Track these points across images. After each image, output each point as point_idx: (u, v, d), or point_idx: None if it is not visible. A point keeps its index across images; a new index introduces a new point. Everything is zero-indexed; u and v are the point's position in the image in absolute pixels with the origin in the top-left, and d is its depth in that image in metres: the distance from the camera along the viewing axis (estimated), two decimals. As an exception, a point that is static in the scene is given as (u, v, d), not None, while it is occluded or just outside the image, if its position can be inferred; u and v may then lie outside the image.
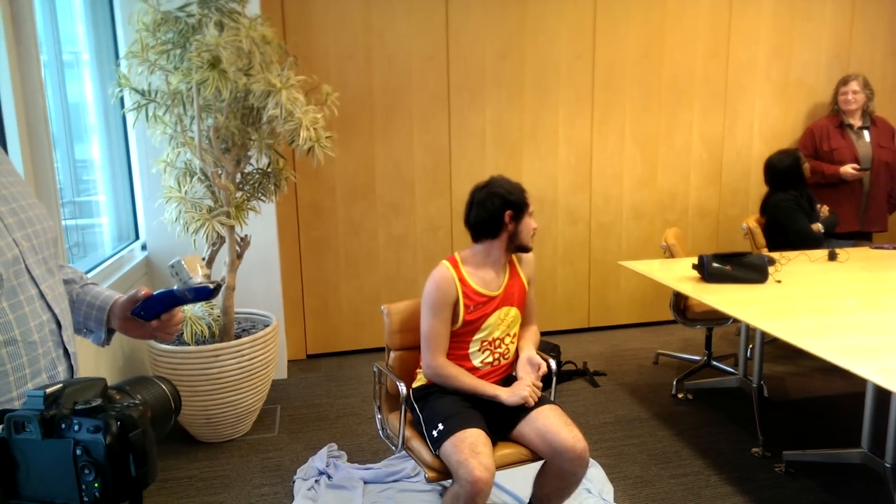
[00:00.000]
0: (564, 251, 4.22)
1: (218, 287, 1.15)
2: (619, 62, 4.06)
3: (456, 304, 2.03)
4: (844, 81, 3.92)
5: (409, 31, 3.75)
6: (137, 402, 0.75)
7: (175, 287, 1.14)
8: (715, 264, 2.69)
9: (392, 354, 2.25)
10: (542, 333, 4.24)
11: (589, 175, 4.17)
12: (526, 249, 2.12)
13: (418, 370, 2.17)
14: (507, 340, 2.13)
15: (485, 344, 2.08)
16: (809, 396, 3.25)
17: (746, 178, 4.39)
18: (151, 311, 1.14)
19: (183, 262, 1.13)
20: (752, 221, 3.69)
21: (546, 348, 3.49)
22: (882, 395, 2.45)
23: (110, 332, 1.20)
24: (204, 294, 1.13)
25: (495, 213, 2.03)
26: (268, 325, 2.93)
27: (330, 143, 2.66)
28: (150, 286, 2.71)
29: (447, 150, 3.94)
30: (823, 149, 3.92)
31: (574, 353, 3.89)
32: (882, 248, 3.30)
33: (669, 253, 3.27)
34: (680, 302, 3.21)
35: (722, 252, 2.78)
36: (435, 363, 2.04)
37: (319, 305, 3.92)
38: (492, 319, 2.07)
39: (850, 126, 3.91)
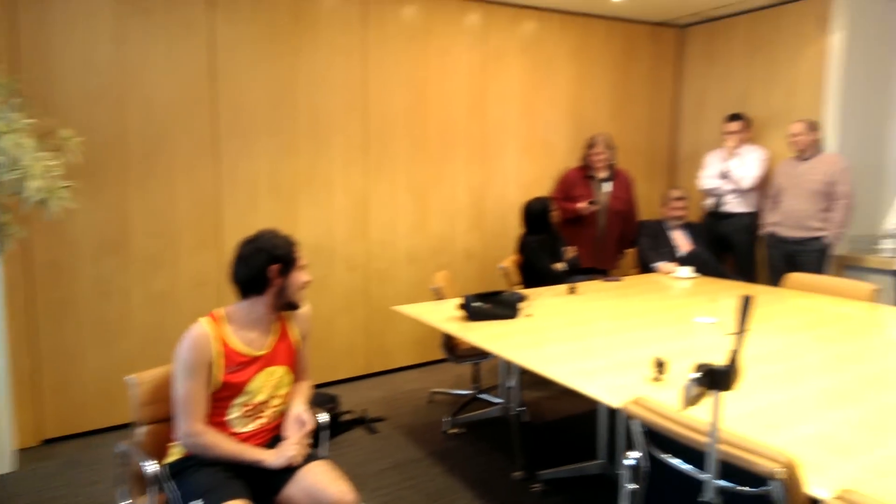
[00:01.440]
0: (342, 299, 4.23)
1: None
2: (390, 114, 4.26)
3: (213, 364, 1.90)
4: (591, 144, 4.50)
5: (170, 75, 3.54)
6: None
7: None
8: (475, 304, 2.89)
9: (142, 429, 2.02)
10: (321, 384, 4.16)
11: (365, 222, 4.26)
12: (294, 306, 2.06)
13: (171, 443, 1.97)
14: (274, 402, 2.03)
15: (247, 409, 1.97)
16: (562, 417, 3.61)
17: (505, 223, 4.84)
18: None
19: None
20: (508, 262, 4.06)
21: (322, 400, 3.43)
22: (612, 409, 2.81)
23: None
24: None
25: (261, 268, 1.95)
26: (-15, 409, 2.46)
27: (70, 193, 2.37)
28: None
29: (216, 199, 3.74)
30: (572, 194, 4.49)
31: (353, 402, 3.87)
32: (612, 280, 3.84)
33: (439, 295, 3.44)
34: (449, 340, 3.39)
35: (482, 292, 3.00)
36: (192, 430, 1.87)
37: (60, 380, 3.40)
38: (255, 382, 1.97)
39: (594, 177, 4.52)
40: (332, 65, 4.02)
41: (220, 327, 1.94)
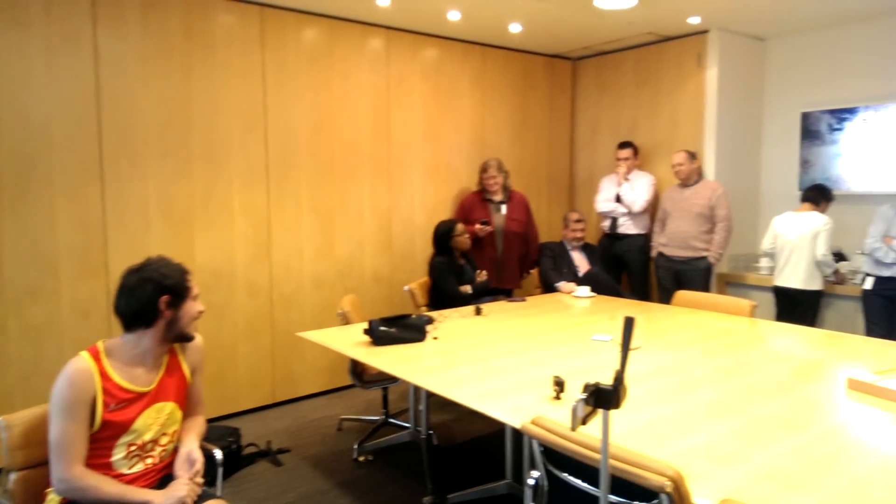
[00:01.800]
0: (245, 326, 4.07)
1: None
2: (292, 137, 4.18)
3: (94, 402, 1.76)
4: (484, 168, 4.67)
5: (50, 89, 3.31)
6: None
7: None
8: (381, 328, 2.87)
9: (13, 476, 1.84)
10: (223, 417, 3.97)
11: (268, 246, 4.14)
12: (187, 338, 1.95)
13: (49, 490, 1.81)
14: (164, 441, 1.91)
15: (133, 449, 1.84)
16: (470, 438, 3.64)
17: (413, 245, 4.86)
18: None
19: None
20: (414, 284, 4.07)
21: (222, 434, 3.27)
22: (518, 429, 2.86)
23: None
24: None
25: (148, 300, 1.84)
26: None
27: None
28: None
29: (101, 224, 3.51)
30: (471, 218, 4.60)
31: (257, 433, 3.72)
32: (515, 300, 3.94)
33: (346, 319, 3.39)
34: (357, 366, 3.33)
35: (389, 316, 2.98)
36: (69, 475, 1.72)
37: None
38: (141, 420, 1.84)
39: (491, 200, 4.66)
40: (229, 85, 3.91)
41: (101, 362, 1.80)
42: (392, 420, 3.67)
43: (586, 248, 4.63)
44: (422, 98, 4.82)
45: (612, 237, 5.03)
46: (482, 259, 4.49)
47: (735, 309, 3.46)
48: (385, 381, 3.42)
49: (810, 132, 4.82)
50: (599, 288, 4.17)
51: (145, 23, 3.60)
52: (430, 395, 4.12)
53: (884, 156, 4.43)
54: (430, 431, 3.29)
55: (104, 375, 1.79)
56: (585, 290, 4.09)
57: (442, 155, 4.97)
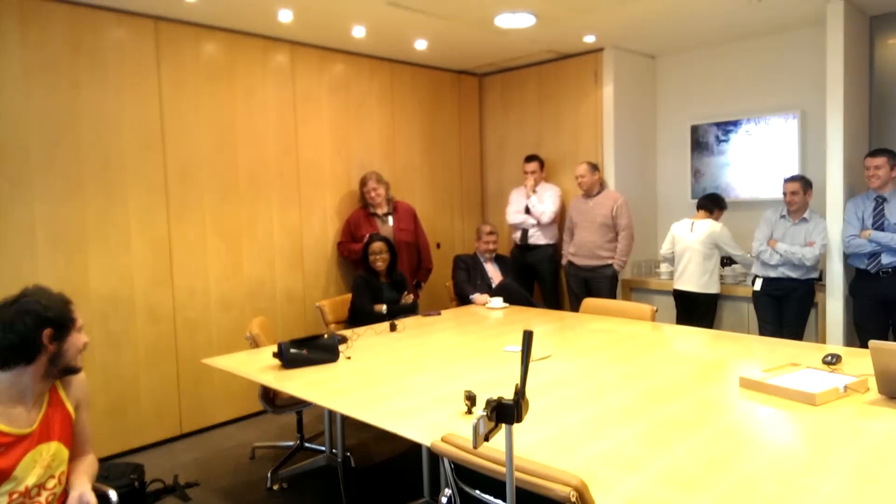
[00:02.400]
0: (147, 354, 3.85)
1: None
2: (193, 155, 4.02)
3: (-33, 451, 1.61)
4: (364, 182, 4.67)
5: None
6: None
7: None
8: (293, 350, 2.79)
9: None
10: (125, 453, 3.74)
11: (170, 269, 3.95)
12: (73, 371, 1.83)
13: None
14: (50, 485, 1.77)
15: (15, 497, 1.69)
16: (388, 457, 3.60)
17: (326, 262, 4.77)
18: None
19: None
20: (324, 301, 4.01)
21: (124, 471, 3.06)
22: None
23: None
24: None
25: (28, 334, 1.70)
26: None
27: None
28: None
29: (-22, 252, 3.23)
30: (358, 235, 4.58)
31: (164, 469, 3.51)
32: (430, 314, 3.94)
33: (255, 343, 3.27)
34: (268, 391, 3.22)
35: (300, 337, 2.90)
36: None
37: None
38: (23, 465, 1.70)
39: (376, 214, 4.66)
40: (121, 102, 3.72)
41: (-26, 406, 1.65)
42: (308, 444, 3.57)
43: (499, 260, 4.71)
44: (330, 114, 4.76)
45: (524, 248, 5.15)
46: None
47: (638, 314, 3.61)
48: (298, 404, 3.33)
49: (700, 143, 5.14)
50: (512, 298, 4.25)
51: (25, 35, 3.36)
52: (346, 416, 4.05)
53: (766, 164, 4.79)
54: (347, 454, 3.23)
55: (-23, 420, 1.64)
56: (499, 301, 4.16)
57: (352, 170, 4.93)
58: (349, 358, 2.92)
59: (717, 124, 5.02)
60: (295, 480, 3.31)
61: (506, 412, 1.26)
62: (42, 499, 1.75)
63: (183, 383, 4.01)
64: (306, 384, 2.54)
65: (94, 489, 1.87)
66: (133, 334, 3.79)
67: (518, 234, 5.19)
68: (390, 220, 4.68)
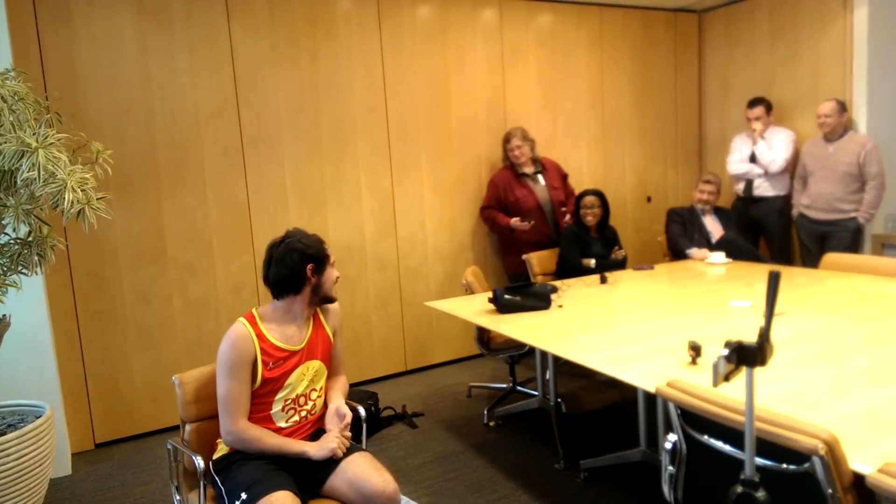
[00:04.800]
0: (376, 297, 4.28)
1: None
2: (411, 115, 4.30)
3: (254, 362, 1.96)
4: (507, 139, 4.31)
5: (193, 86, 3.63)
6: None
7: None
8: (507, 296, 2.91)
9: (188, 427, 2.09)
10: (361, 382, 4.22)
11: (393, 222, 4.31)
12: (330, 300, 2.12)
13: (219, 440, 2.04)
14: (314, 396, 2.09)
15: (288, 403, 2.02)
16: (600, 407, 3.61)
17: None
18: None
19: None
20: (531, 255, 4.08)
21: (363, 397, 3.48)
22: (650, 396, 2.80)
23: None
24: None
25: (295, 268, 2.01)
26: (40, 417, 2.57)
27: (105, 204, 2.46)
28: None
29: (245, 205, 3.83)
30: (509, 199, 4.32)
31: (393, 398, 3.92)
32: (642, 268, 3.82)
33: (469, 290, 3.47)
34: (483, 335, 3.41)
35: (512, 285, 3.01)
36: (235, 428, 1.93)
37: (107, 386, 3.52)
38: (294, 376, 2.03)
39: (526, 174, 4.34)
40: (350, 68, 4.08)
41: (258, 326, 2.00)
42: (519, 388, 3.72)
43: (719, 213, 4.37)
44: (537, 66, 4.75)
45: (748, 200, 4.71)
46: (533, 243, 4.28)
47: (892, 271, 3.13)
48: (511, 349, 3.47)
49: None
50: (736, 253, 3.94)
51: (273, 15, 3.83)
52: (558, 364, 4.13)
53: None
54: (559, 399, 3.30)
55: (261, 338, 1.98)
56: (720, 257, 3.88)
57: (559, 123, 4.88)
58: (561, 306, 2.97)
59: None
60: (508, 419, 3.48)
61: (748, 354, 1.19)
62: (307, 407, 2.07)
63: (406, 325, 4.40)
64: (521, 328, 2.64)
65: (346, 405, 2.17)
66: (365, 279, 4.24)
67: (741, 186, 4.75)
68: (541, 178, 4.36)
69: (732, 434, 1.52)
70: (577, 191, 4.48)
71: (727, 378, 1.20)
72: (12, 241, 2.54)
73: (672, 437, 1.71)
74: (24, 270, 2.55)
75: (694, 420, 1.63)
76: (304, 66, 3.94)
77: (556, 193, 4.33)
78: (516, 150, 4.27)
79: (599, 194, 4.06)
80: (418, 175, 4.36)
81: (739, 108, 5.11)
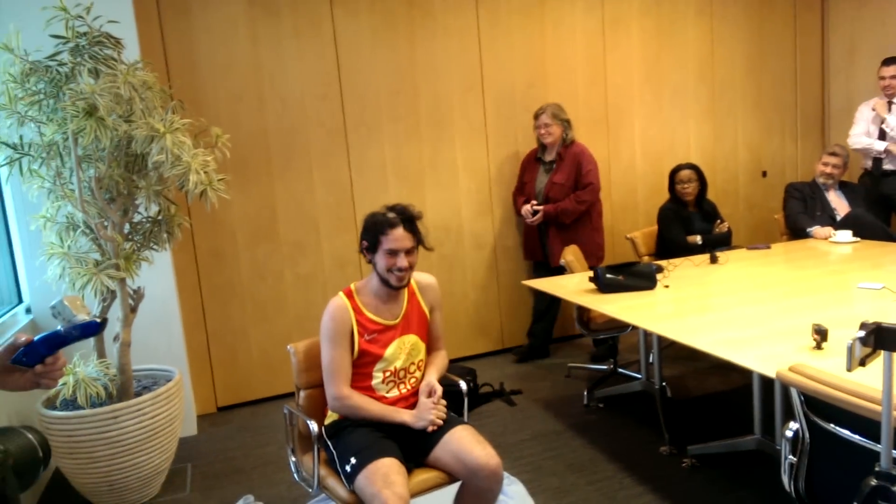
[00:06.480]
0: (473, 275, 4.31)
1: (104, 321, 1.17)
2: (507, 91, 4.25)
3: (352, 332, 2.03)
4: (536, 115, 3.92)
5: (300, 72, 3.77)
6: (-2, 453, 0.71)
7: (60, 327, 1.16)
8: (608, 275, 2.83)
9: (302, 394, 2.20)
10: (459, 359, 4.28)
11: (489, 201, 4.30)
12: (386, 283, 2.05)
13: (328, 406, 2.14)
14: (412, 369, 2.14)
15: (388, 374, 2.09)
16: (708, 392, 3.46)
17: (633, 194, 4.66)
18: (34, 355, 1.13)
19: (65, 301, 1.16)
20: (636, 233, 3.94)
21: (461, 372, 3.52)
22: (767, 382, 2.64)
23: None
24: (91, 329, 1.17)
25: (360, 240, 2.12)
26: (170, 381, 2.80)
27: (224, 185, 2.62)
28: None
29: (349, 185, 3.96)
30: (524, 180, 4.09)
31: (491, 375, 3.95)
32: (757, 247, 3.60)
33: (569, 269, 3.41)
34: (583, 315, 3.35)
35: (613, 264, 2.93)
36: (339, 394, 2.02)
37: (228, 355, 3.78)
38: (391, 349, 2.08)
39: (541, 160, 4.00)
40: (447, 48, 4.08)
41: (354, 300, 2.07)
42: (621, 370, 3.63)
43: (845, 188, 4.03)
44: (640, 37, 4.54)
45: (876, 175, 4.29)
46: (527, 228, 4.05)
47: None
48: (612, 329, 3.38)
49: None
50: (864, 232, 3.62)
51: (372, 1, 3.89)
52: (663, 347, 3.99)
53: None
54: (664, 383, 3.19)
55: (357, 310, 2.06)
56: (846, 235, 3.58)
57: (664, 97, 4.66)
58: (667, 287, 2.85)
59: None
60: (610, 401, 3.41)
61: (888, 337, 1.10)
62: (408, 381, 2.13)
63: (502, 304, 4.40)
64: (624, 308, 2.57)
65: (447, 379, 2.21)
66: (462, 258, 4.27)
67: (869, 160, 4.34)
68: (549, 169, 3.96)
69: (864, 423, 1.41)
70: (665, 167, 4.22)
71: (863, 363, 1.11)
72: (144, 220, 2.77)
73: (794, 425, 1.61)
74: (154, 246, 2.78)
75: (819, 407, 1.53)
76: (403, 47, 3.99)
77: (551, 188, 3.90)
78: (543, 128, 3.87)
79: (694, 167, 3.88)
80: (515, 153, 4.31)
81: (868, 72, 4.65)
